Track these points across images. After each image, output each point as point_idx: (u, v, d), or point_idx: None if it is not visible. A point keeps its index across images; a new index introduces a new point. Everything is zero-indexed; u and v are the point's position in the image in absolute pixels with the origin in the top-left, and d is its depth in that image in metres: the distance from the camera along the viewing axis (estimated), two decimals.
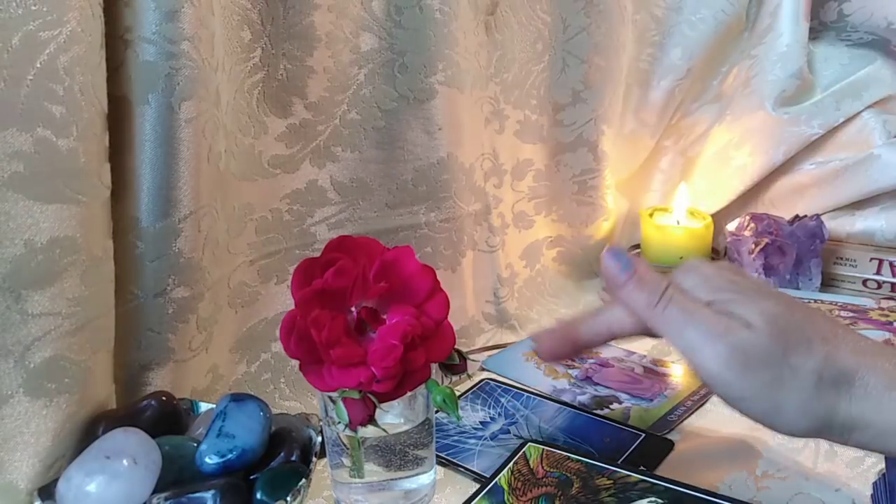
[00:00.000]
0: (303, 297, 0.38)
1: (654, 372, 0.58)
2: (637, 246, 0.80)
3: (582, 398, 0.55)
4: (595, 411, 0.53)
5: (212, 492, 0.37)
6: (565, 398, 0.55)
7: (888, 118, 0.73)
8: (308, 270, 0.38)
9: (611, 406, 0.53)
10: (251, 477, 0.40)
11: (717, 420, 0.51)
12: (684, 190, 0.77)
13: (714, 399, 0.54)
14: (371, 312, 0.39)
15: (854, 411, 0.34)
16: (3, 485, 0.37)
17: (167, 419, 0.43)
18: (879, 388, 0.34)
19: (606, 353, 0.62)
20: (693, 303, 0.36)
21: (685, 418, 0.52)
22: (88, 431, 0.40)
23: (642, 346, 0.63)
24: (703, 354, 0.35)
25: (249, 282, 0.55)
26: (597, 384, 0.56)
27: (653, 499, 0.41)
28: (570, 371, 0.59)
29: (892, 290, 0.71)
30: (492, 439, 0.50)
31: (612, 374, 0.58)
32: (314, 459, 0.41)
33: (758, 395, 0.34)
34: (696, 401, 0.54)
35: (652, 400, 0.54)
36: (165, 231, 0.44)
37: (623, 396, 0.55)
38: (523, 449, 0.46)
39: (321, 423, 0.42)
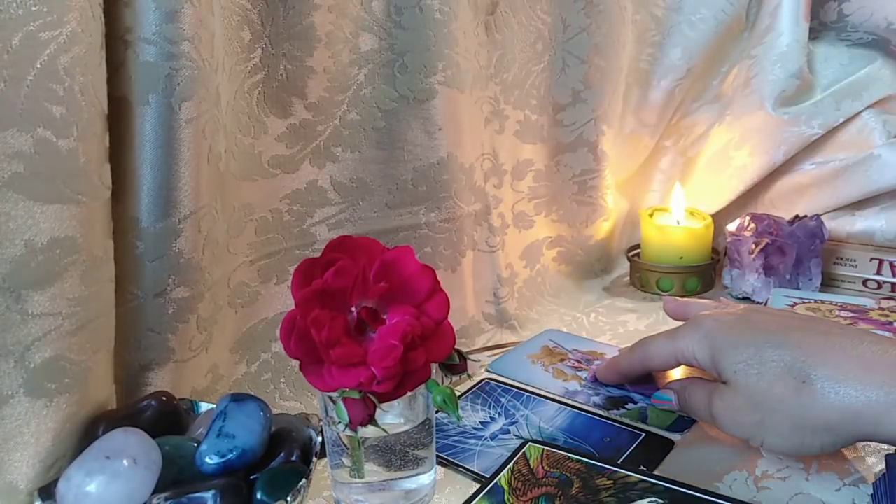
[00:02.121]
0: (303, 297, 0.38)
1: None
2: (637, 246, 0.80)
3: (596, 399, 0.54)
4: (611, 412, 0.53)
5: (212, 492, 0.37)
6: (579, 400, 0.54)
7: (888, 118, 0.73)
8: (308, 270, 0.38)
9: (626, 406, 0.53)
10: (251, 477, 0.40)
11: None
12: (679, 190, 0.77)
13: None
14: (371, 312, 0.39)
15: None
16: (3, 485, 0.37)
17: (167, 419, 0.43)
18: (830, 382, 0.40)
19: (609, 354, 0.62)
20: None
21: None
22: (88, 431, 0.40)
23: None
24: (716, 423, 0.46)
25: (249, 282, 0.55)
26: (608, 385, 0.56)
27: (653, 499, 0.41)
28: (578, 373, 0.59)
29: (893, 290, 0.71)
30: (492, 439, 0.50)
31: None
32: (314, 459, 0.41)
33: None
34: None
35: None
36: (165, 231, 0.44)
37: (636, 396, 0.54)
38: (523, 449, 0.46)
39: (321, 423, 0.42)
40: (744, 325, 0.45)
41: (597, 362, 0.60)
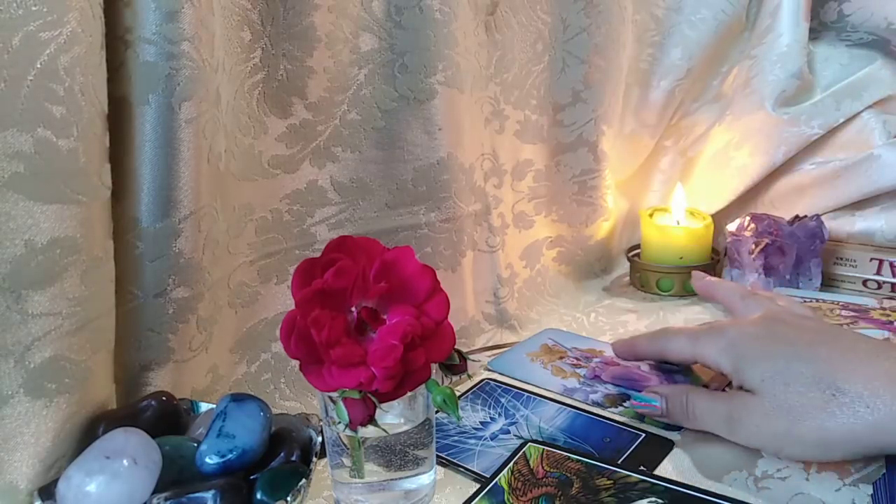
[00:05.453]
0: (303, 297, 0.38)
1: (658, 369, 0.59)
2: (637, 246, 0.80)
3: (594, 396, 0.55)
4: (609, 409, 0.53)
5: (212, 492, 0.37)
6: (578, 397, 0.55)
7: (888, 118, 0.73)
8: (308, 271, 0.38)
9: (623, 404, 0.53)
10: (251, 477, 0.40)
11: None
12: (681, 190, 0.77)
13: None
14: (371, 312, 0.39)
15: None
16: (3, 485, 0.37)
17: (167, 419, 0.43)
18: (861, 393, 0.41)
19: (608, 352, 0.62)
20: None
21: None
22: (88, 431, 0.40)
23: None
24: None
25: (249, 282, 0.55)
26: (606, 382, 0.57)
27: (653, 499, 0.41)
28: (577, 370, 0.59)
29: (893, 291, 0.71)
30: (492, 439, 0.50)
31: (620, 372, 0.58)
32: (314, 459, 0.41)
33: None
34: None
35: None
36: (165, 231, 0.44)
37: (634, 394, 0.55)
38: (523, 449, 0.46)
39: (321, 423, 0.42)
40: (768, 339, 0.46)
41: (596, 360, 0.60)
